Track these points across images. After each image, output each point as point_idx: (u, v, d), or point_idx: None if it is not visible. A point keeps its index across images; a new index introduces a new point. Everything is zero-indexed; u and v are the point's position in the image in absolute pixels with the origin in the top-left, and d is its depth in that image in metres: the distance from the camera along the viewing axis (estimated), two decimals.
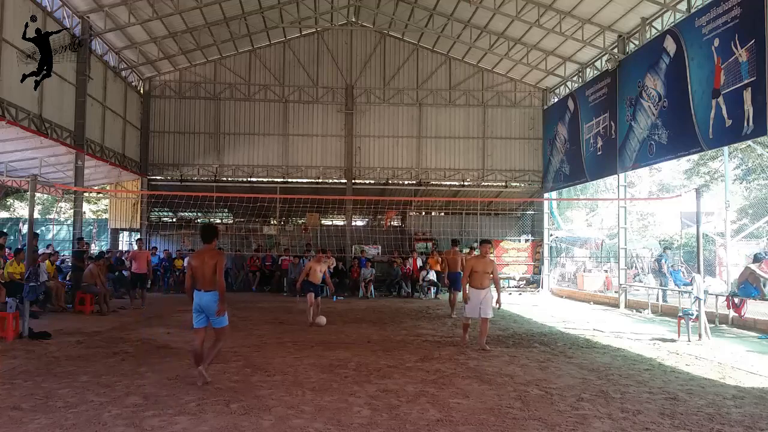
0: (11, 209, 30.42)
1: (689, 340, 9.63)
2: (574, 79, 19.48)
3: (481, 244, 9.28)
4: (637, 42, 15.52)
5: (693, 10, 12.89)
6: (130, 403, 5.44)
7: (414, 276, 18.90)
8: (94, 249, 19.01)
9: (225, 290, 6.22)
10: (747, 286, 10.96)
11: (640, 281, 18.65)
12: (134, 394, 5.79)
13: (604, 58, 16.68)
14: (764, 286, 10.87)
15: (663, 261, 16.05)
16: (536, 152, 21.76)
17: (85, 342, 8.89)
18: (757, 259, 11.36)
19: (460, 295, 11.53)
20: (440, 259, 19.08)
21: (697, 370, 7.47)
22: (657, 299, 14.93)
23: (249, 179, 21.17)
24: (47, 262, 13.14)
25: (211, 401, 5.55)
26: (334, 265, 18.96)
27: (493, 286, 8.93)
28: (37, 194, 18.17)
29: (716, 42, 11.72)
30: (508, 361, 7.86)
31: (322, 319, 11.08)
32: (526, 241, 21.45)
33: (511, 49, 19.28)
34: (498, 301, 8.85)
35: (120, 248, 21.38)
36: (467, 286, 8.91)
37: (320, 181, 21.55)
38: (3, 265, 11.48)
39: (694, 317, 9.96)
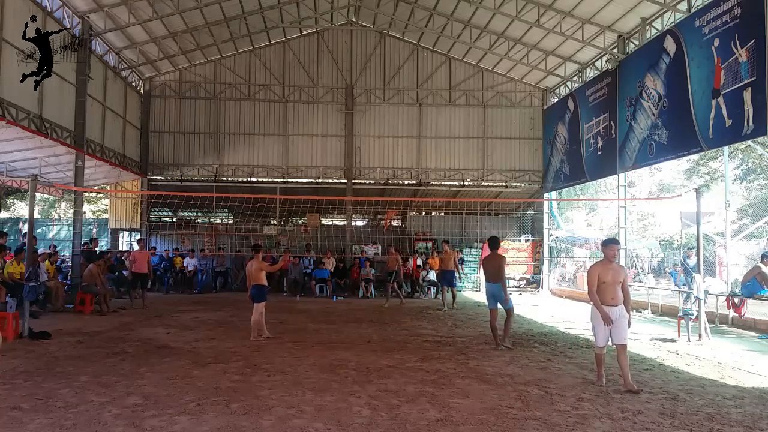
0: (11, 209, 30.43)
1: (689, 340, 9.64)
2: (574, 79, 19.48)
3: (605, 245, 6.80)
4: (637, 42, 15.51)
5: (693, 10, 12.89)
6: (130, 403, 5.44)
7: (414, 276, 18.89)
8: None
9: (506, 283, 8.82)
10: (754, 283, 10.94)
11: (640, 281, 18.64)
12: (134, 394, 5.79)
13: (604, 58, 16.67)
14: None
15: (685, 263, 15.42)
16: (536, 152, 21.76)
17: (85, 342, 8.89)
18: (766, 256, 11.35)
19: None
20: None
21: (697, 370, 7.47)
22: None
23: (249, 179, 21.17)
24: (47, 262, 13.14)
25: (211, 401, 5.55)
26: (334, 265, 19.02)
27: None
28: (38, 194, 18.18)
29: (716, 42, 11.72)
30: (508, 361, 7.86)
31: None
32: (526, 241, 21.45)
33: (511, 49, 19.28)
34: (629, 321, 6.64)
35: (120, 248, 21.38)
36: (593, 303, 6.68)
37: (320, 181, 21.55)
38: (3, 265, 11.48)
39: (694, 317, 9.97)
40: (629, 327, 6.62)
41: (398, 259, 16.08)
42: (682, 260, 16.23)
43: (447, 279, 14.98)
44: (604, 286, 6.53)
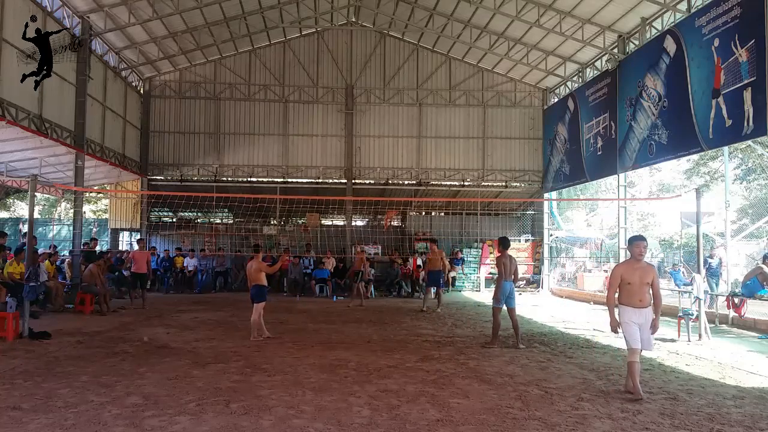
0: (11, 209, 30.43)
1: (689, 340, 9.64)
2: (574, 79, 19.48)
3: (630, 242, 6.18)
4: (637, 42, 15.51)
5: (693, 10, 12.89)
6: (130, 403, 5.44)
7: (414, 276, 18.91)
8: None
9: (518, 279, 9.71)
10: (755, 282, 10.94)
11: None
12: (134, 394, 5.79)
13: (604, 58, 16.67)
14: None
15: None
16: (536, 152, 21.76)
17: (85, 342, 8.89)
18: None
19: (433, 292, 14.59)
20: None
21: (697, 370, 7.46)
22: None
23: (249, 179, 21.17)
24: (47, 262, 13.14)
25: (211, 401, 5.55)
26: (334, 265, 19.01)
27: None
28: (38, 194, 18.18)
29: (716, 42, 11.72)
30: (508, 361, 7.86)
31: None
32: (526, 241, 21.45)
33: (511, 49, 19.28)
34: (655, 325, 6.07)
35: (120, 248, 21.36)
36: (616, 305, 6.14)
37: (320, 181, 21.55)
38: (3, 265, 11.48)
39: (694, 317, 9.97)
40: (655, 331, 6.09)
41: (363, 258, 16.09)
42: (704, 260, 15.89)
43: (434, 280, 14.34)
44: (630, 287, 5.98)
